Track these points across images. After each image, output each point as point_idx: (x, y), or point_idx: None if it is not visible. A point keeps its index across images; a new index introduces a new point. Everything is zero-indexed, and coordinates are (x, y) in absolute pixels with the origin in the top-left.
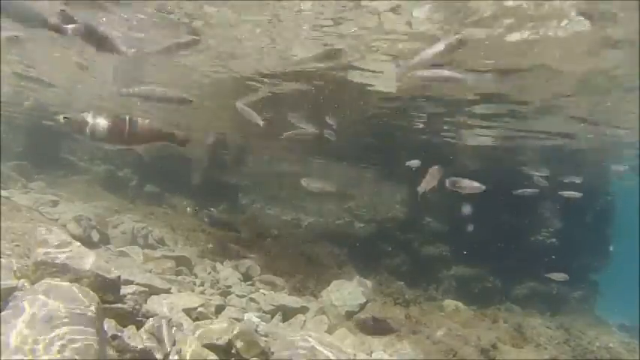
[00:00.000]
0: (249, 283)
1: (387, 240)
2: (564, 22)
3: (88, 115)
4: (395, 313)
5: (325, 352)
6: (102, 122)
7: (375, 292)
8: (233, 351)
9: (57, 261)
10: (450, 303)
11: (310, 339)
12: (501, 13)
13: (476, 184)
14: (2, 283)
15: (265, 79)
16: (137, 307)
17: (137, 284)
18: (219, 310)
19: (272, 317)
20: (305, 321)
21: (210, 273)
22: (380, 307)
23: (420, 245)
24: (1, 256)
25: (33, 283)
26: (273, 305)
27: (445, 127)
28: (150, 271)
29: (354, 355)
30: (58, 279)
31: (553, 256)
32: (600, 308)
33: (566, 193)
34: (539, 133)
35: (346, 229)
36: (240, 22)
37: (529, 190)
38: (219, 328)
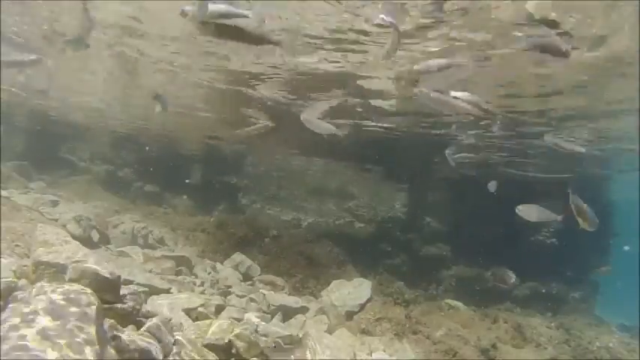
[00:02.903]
0: (249, 283)
1: (387, 240)
2: None
3: None
4: (395, 313)
5: None
6: None
7: (375, 291)
8: (233, 351)
9: (57, 261)
10: (450, 303)
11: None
12: None
13: None
14: (2, 283)
15: None
16: (137, 307)
17: (137, 284)
18: (219, 310)
19: (272, 317)
20: (305, 321)
21: (210, 273)
22: (380, 307)
23: (420, 245)
24: (1, 256)
25: (33, 283)
26: (273, 305)
27: None
28: (150, 271)
29: (354, 355)
30: (58, 279)
31: (553, 256)
32: (600, 308)
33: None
34: None
35: (346, 229)
36: None
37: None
38: (219, 328)
